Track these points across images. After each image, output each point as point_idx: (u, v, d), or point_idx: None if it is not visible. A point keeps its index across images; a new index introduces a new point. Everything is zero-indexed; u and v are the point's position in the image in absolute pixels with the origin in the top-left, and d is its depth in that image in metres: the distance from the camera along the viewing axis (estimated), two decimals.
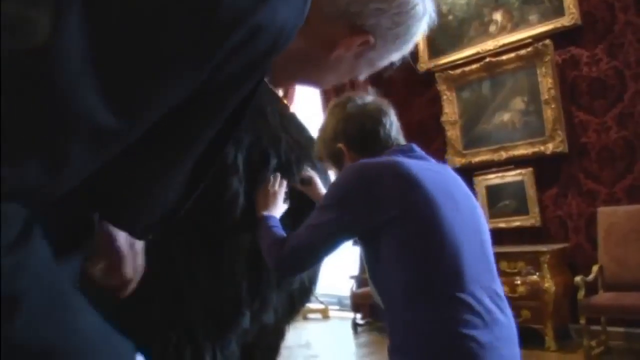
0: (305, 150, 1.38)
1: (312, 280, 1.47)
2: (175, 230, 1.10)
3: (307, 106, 6.43)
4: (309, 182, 1.40)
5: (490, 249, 1.26)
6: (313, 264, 1.26)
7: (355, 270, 5.54)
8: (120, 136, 0.52)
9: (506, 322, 1.17)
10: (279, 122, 1.31)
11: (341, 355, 4.39)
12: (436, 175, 1.26)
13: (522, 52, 4.50)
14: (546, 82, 4.37)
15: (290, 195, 1.34)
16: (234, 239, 1.16)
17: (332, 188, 1.22)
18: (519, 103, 4.61)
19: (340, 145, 1.30)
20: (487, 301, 1.14)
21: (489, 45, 4.77)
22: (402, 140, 1.41)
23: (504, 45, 4.63)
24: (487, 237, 1.29)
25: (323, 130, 1.30)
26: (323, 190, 1.40)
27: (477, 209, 1.34)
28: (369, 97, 1.43)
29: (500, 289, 1.23)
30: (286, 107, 1.56)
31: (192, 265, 1.13)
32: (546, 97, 4.37)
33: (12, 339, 0.45)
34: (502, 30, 4.72)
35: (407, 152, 1.30)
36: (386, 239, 1.15)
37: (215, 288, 1.14)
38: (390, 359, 1.20)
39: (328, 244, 1.21)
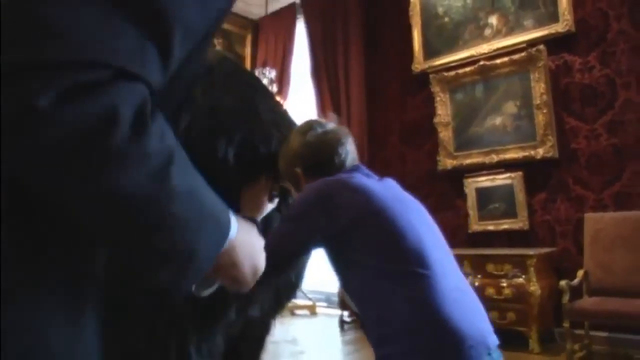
0: None
1: (298, 276, 1.49)
2: None
3: (301, 102, 6.45)
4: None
5: (445, 245, 1.47)
6: (285, 268, 1.41)
7: None
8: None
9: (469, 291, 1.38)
10: (271, 119, 1.32)
11: (327, 351, 4.41)
12: (382, 184, 1.48)
13: (516, 56, 4.54)
14: (539, 87, 4.41)
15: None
16: None
17: (295, 203, 1.41)
18: (511, 107, 4.64)
19: (297, 169, 1.43)
20: (450, 279, 1.31)
21: (484, 48, 4.81)
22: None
23: (498, 49, 4.67)
24: (440, 235, 1.49)
25: (284, 152, 1.38)
26: None
27: (426, 212, 1.53)
28: (330, 125, 1.56)
29: (462, 276, 1.40)
30: (279, 104, 1.57)
31: None
32: (538, 102, 4.41)
33: None
34: (497, 34, 4.76)
35: (354, 171, 1.48)
36: (349, 243, 1.34)
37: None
38: (377, 355, 1.25)
39: (298, 251, 1.41)
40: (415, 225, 1.36)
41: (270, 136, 1.28)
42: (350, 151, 1.53)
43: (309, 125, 1.51)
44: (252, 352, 1.64)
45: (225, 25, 6.69)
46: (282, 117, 1.42)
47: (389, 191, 1.46)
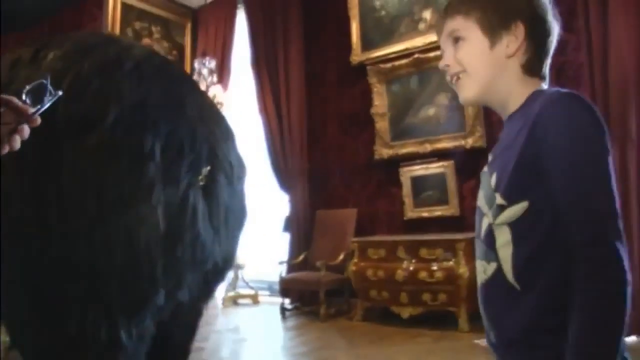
0: (220, 142, 1.46)
1: (226, 261, 1.56)
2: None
3: (241, 92, 6.46)
4: None
5: None
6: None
7: (284, 256, 5.67)
8: None
9: None
10: (197, 114, 1.38)
11: (269, 338, 4.50)
12: None
13: None
14: None
15: None
16: (150, 221, 1.23)
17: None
18: (443, 99, 4.85)
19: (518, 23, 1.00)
20: None
21: (418, 42, 4.98)
22: None
23: (431, 42, 4.83)
24: None
25: None
26: None
27: None
28: None
29: None
30: (206, 97, 1.62)
31: (109, 243, 1.20)
32: None
33: None
34: (431, 28, 4.93)
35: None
36: None
37: (131, 266, 1.22)
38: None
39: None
40: None
41: (194, 130, 1.34)
42: None
43: None
44: (184, 337, 1.70)
45: (164, 13, 6.59)
46: (209, 111, 1.48)
47: None
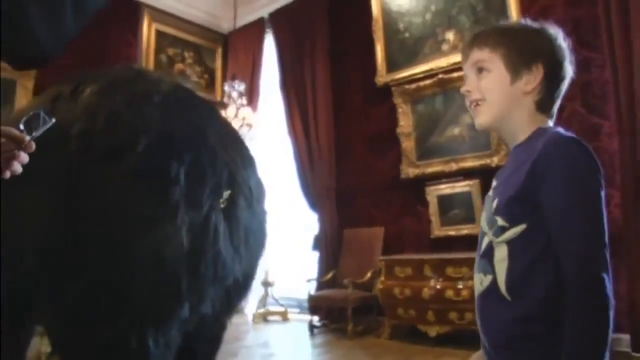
0: (240, 168, 1.58)
1: (247, 278, 1.67)
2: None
3: (271, 114, 6.63)
4: None
5: None
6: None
7: (313, 274, 5.75)
8: None
9: None
10: (219, 141, 1.51)
11: (296, 354, 4.57)
12: None
13: None
14: None
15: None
16: (175, 240, 1.35)
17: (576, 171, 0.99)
18: (468, 118, 4.89)
19: (539, 64, 1.10)
20: None
21: (442, 62, 5.07)
22: None
23: (455, 63, 4.91)
24: None
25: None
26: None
27: None
28: None
29: None
30: (228, 125, 1.76)
31: (138, 260, 1.33)
32: None
33: None
34: (454, 49, 5.01)
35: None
36: None
37: (158, 282, 1.34)
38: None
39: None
40: None
41: (216, 157, 1.46)
42: None
43: None
44: (210, 349, 1.82)
45: (196, 39, 6.86)
46: (230, 139, 1.61)
47: None
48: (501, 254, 1.06)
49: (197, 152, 1.41)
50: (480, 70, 1.16)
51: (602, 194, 1.00)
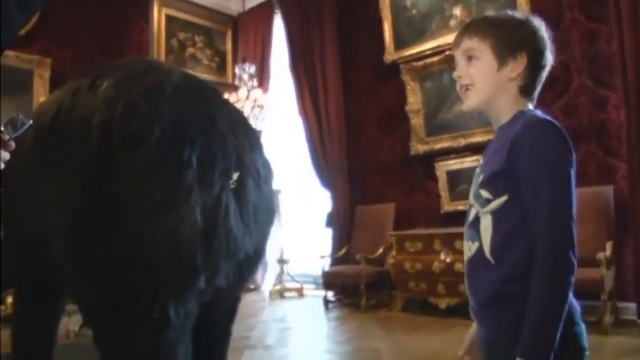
0: (248, 151, 1.70)
1: (257, 252, 1.81)
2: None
3: (281, 94, 6.72)
4: None
5: None
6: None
7: (327, 250, 5.90)
8: None
9: None
10: (228, 127, 1.63)
11: (312, 327, 4.74)
12: None
13: None
14: None
15: None
16: (190, 220, 1.48)
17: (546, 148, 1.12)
18: None
19: (523, 53, 1.20)
20: None
21: (449, 38, 5.07)
22: None
23: None
24: None
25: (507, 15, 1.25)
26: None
27: None
28: None
29: None
30: (236, 111, 1.87)
31: (157, 238, 1.47)
32: None
33: None
34: (461, 24, 5.02)
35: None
36: None
37: (176, 257, 1.48)
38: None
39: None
40: None
41: (226, 142, 1.59)
42: None
43: None
44: (225, 320, 1.98)
45: (206, 22, 6.93)
46: (238, 124, 1.73)
47: None
48: (486, 223, 1.18)
49: (207, 138, 1.53)
50: (470, 57, 1.26)
51: (572, 172, 1.11)
